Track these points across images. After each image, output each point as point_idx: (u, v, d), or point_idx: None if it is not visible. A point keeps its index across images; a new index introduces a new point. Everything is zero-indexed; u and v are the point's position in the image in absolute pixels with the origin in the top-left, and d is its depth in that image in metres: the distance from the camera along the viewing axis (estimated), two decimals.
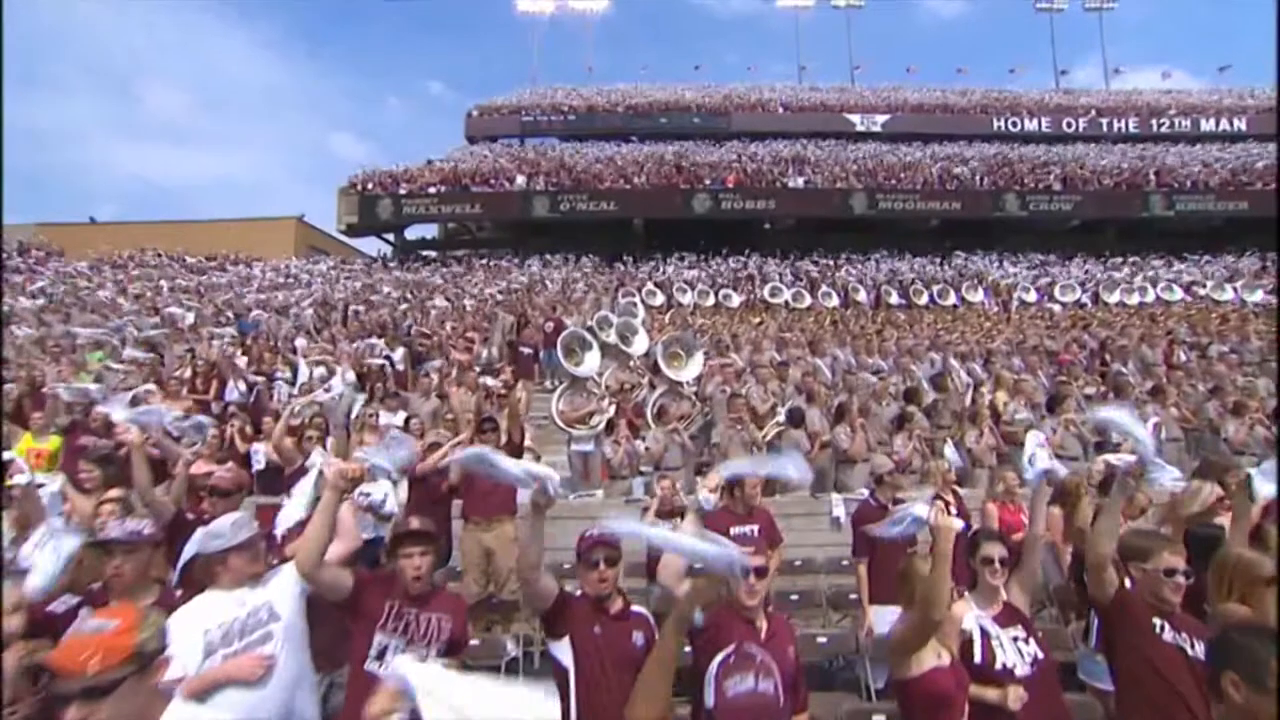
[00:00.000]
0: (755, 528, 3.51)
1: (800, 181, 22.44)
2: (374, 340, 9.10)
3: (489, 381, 7.24)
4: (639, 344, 8.38)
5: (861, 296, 14.53)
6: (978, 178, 23.47)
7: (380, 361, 8.36)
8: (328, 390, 6.02)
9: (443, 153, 31.47)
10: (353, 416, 6.54)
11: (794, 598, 4.38)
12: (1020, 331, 10.95)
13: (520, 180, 24.79)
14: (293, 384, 7.71)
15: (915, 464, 5.55)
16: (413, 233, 27.99)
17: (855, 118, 32.54)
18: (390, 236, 27.43)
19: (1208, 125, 31.50)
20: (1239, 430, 5.95)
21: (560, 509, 5.73)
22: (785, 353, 9.28)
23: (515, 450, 4.33)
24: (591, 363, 7.19)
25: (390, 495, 4.16)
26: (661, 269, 19.18)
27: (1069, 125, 31.92)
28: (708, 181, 22.97)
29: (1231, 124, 31.49)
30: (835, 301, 14.31)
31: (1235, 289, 15.37)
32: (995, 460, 5.66)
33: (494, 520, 4.09)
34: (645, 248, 22.56)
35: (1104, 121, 31.98)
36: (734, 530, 3.45)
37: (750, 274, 16.76)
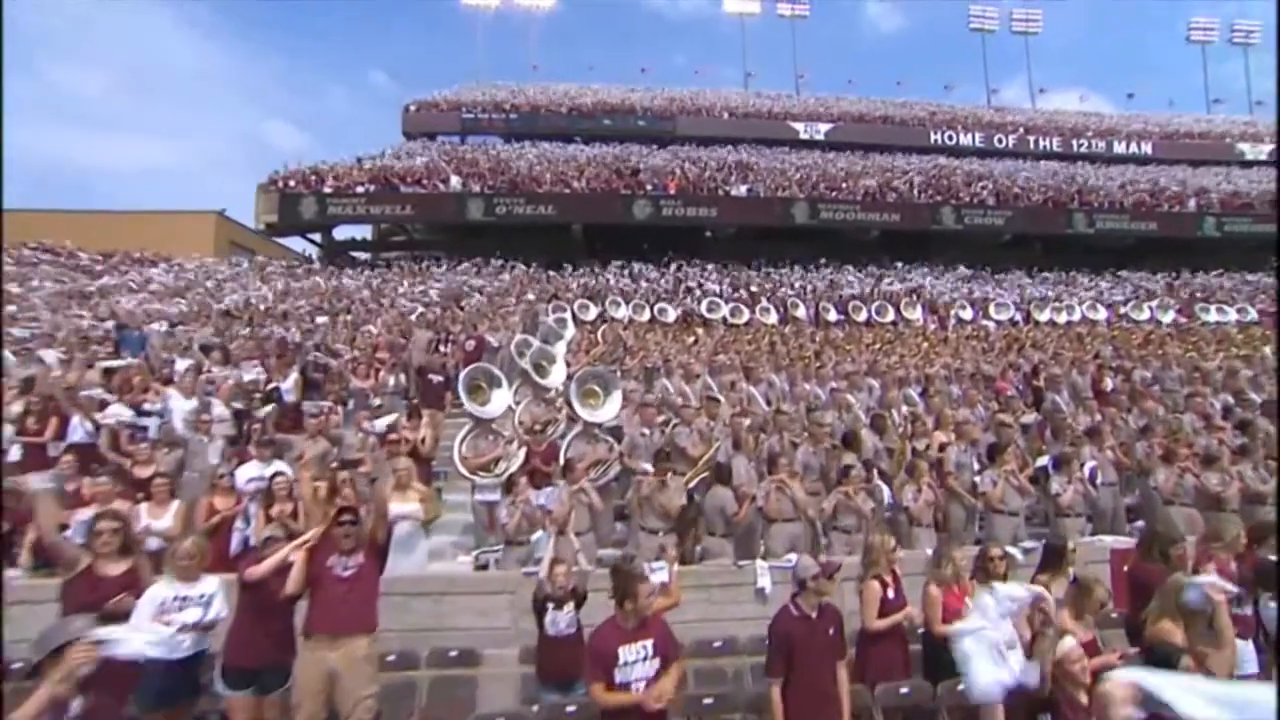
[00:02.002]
0: (648, 645, 2.90)
1: (743, 189, 22.19)
2: (249, 369, 8.04)
3: (376, 425, 6.40)
4: (555, 374, 7.67)
5: (801, 313, 14.27)
6: (916, 190, 23.79)
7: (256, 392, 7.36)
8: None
9: (383, 147, 30.02)
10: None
11: (708, 702, 3.79)
12: (958, 354, 10.81)
13: (455, 181, 23.68)
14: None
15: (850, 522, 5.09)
16: (342, 233, 26.42)
17: (799, 126, 32.74)
18: (318, 237, 25.85)
19: (1119, 147, 33.16)
20: (1169, 479, 5.78)
21: (456, 583, 5.02)
22: (718, 379, 8.76)
23: (379, 553, 3.56)
24: (500, 402, 6.45)
25: (216, 600, 3.33)
26: (601, 277, 18.58)
27: (999, 141, 32.98)
28: (649, 187, 22.45)
29: (1140, 147, 33.25)
30: (774, 318, 13.98)
31: (1151, 309, 15.88)
32: (933, 518, 5.27)
33: (343, 636, 3.28)
34: (586, 254, 21.89)
35: (1031, 139, 33.18)
36: (623, 653, 2.83)
37: (689, 285, 16.31)
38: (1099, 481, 5.93)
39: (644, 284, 17.18)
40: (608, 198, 21.94)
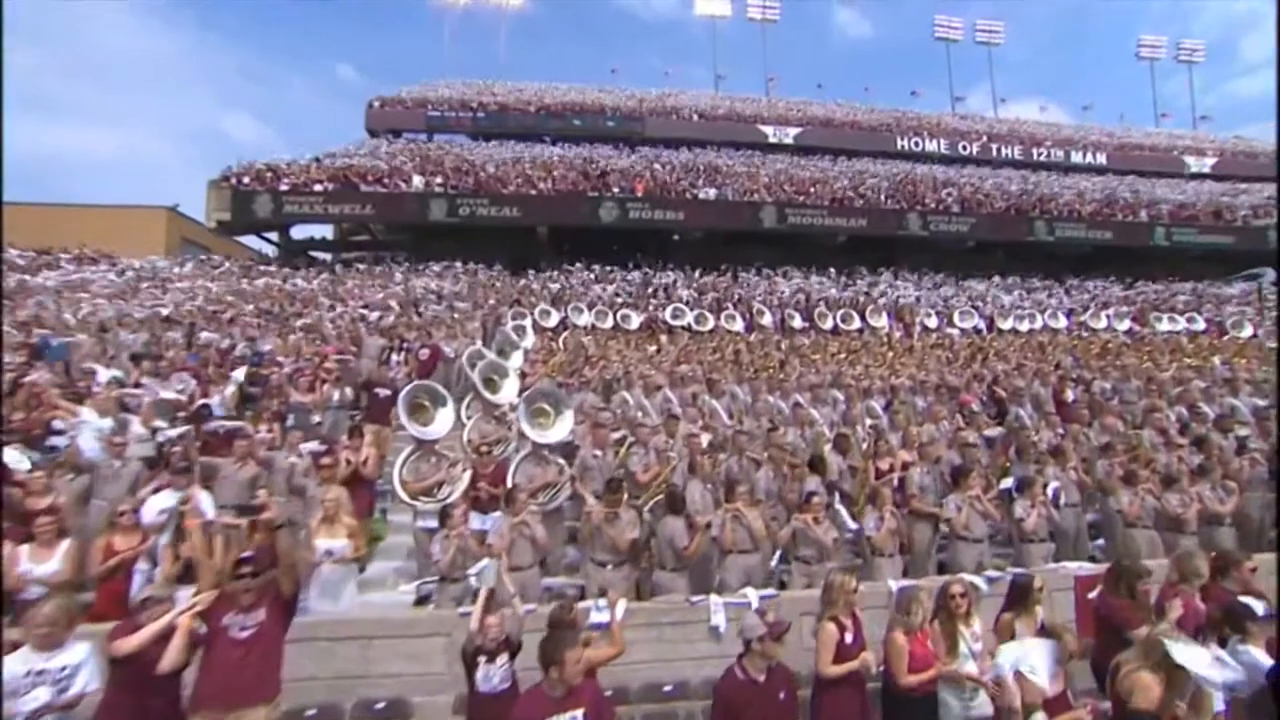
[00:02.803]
0: (577, 716, 2.59)
1: (711, 193, 22.02)
2: (179, 381, 7.47)
3: (303, 451, 5.93)
4: (507, 389, 7.30)
5: (767, 319, 14.11)
6: (883, 196, 23.94)
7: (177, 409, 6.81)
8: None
9: (344, 144, 29.16)
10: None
11: None
12: (923, 365, 10.74)
13: (417, 181, 23.05)
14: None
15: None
16: (302, 232, 25.54)
17: (768, 129, 32.78)
18: (274, 236, 24.93)
19: (1076, 157, 34.04)
20: (1133, 503, 5.69)
21: (385, 625, 4.62)
22: (680, 391, 8.49)
23: (285, 608, 3.17)
24: (444, 422, 6.06)
25: (81, 674, 2.89)
26: (566, 281, 18.21)
27: (964, 148, 33.51)
28: (616, 189, 22.14)
29: (1095, 158, 34.19)
30: (740, 325, 13.79)
31: (1108, 317, 16.16)
32: (897, 548, 5.05)
33: (238, 709, 2.85)
34: (552, 256, 21.48)
35: (994, 147, 33.81)
36: None
37: (655, 289, 16.05)
38: (1062, 502, 5.81)
39: (609, 288, 16.86)
40: (574, 199, 21.58)
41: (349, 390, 8.56)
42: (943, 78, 43.00)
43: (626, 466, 5.88)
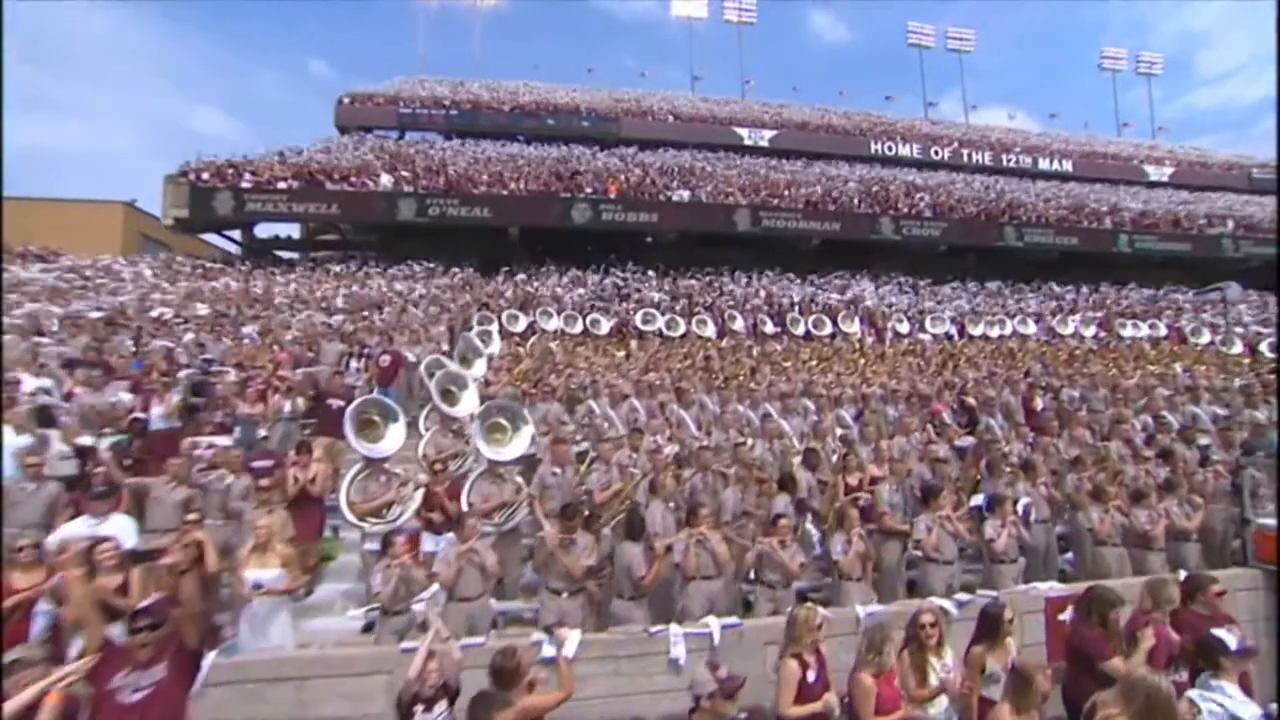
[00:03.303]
0: None
1: (685, 195, 21.85)
2: (114, 392, 7.01)
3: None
4: (465, 402, 6.99)
5: (739, 324, 13.96)
6: (856, 200, 24.04)
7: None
8: None
9: (312, 141, 28.47)
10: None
11: None
12: (895, 373, 10.66)
13: (385, 180, 22.50)
14: None
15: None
16: (267, 231, 24.78)
17: (744, 131, 32.77)
18: (237, 235, 24.16)
19: (1044, 164, 34.70)
20: (1103, 521, 5.62)
21: (321, 664, 4.30)
22: (646, 401, 8.26)
23: (189, 660, 2.84)
24: (395, 438, 5.74)
25: None
26: (537, 283, 17.90)
27: (936, 153, 33.90)
28: (589, 190, 21.85)
29: (1061, 165, 34.89)
30: (711, 330, 13.61)
31: (1075, 323, 16.35)
32: (866, 572, 4.87)
33: None
34: (524, 258, 21.13)
35: (965, 153, 34.27)
36: None
37: (627, 293, 15.82)
38: (1032, 519, 5.72)
39: (581, 291, 16.59)
40: (545, 200, 21.26)
41: (301, 401, 8.15)
42: (916, 83, 43.73)
43: (586, 485, 5.62)
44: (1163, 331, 16.20)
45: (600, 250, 21.21)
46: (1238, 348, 14.90)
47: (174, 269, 18.48)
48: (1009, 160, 34.45)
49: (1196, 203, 29.84)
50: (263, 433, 6.81)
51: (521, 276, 18.89)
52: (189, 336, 10.55)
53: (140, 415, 6.68)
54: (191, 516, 4.71)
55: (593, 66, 50.30)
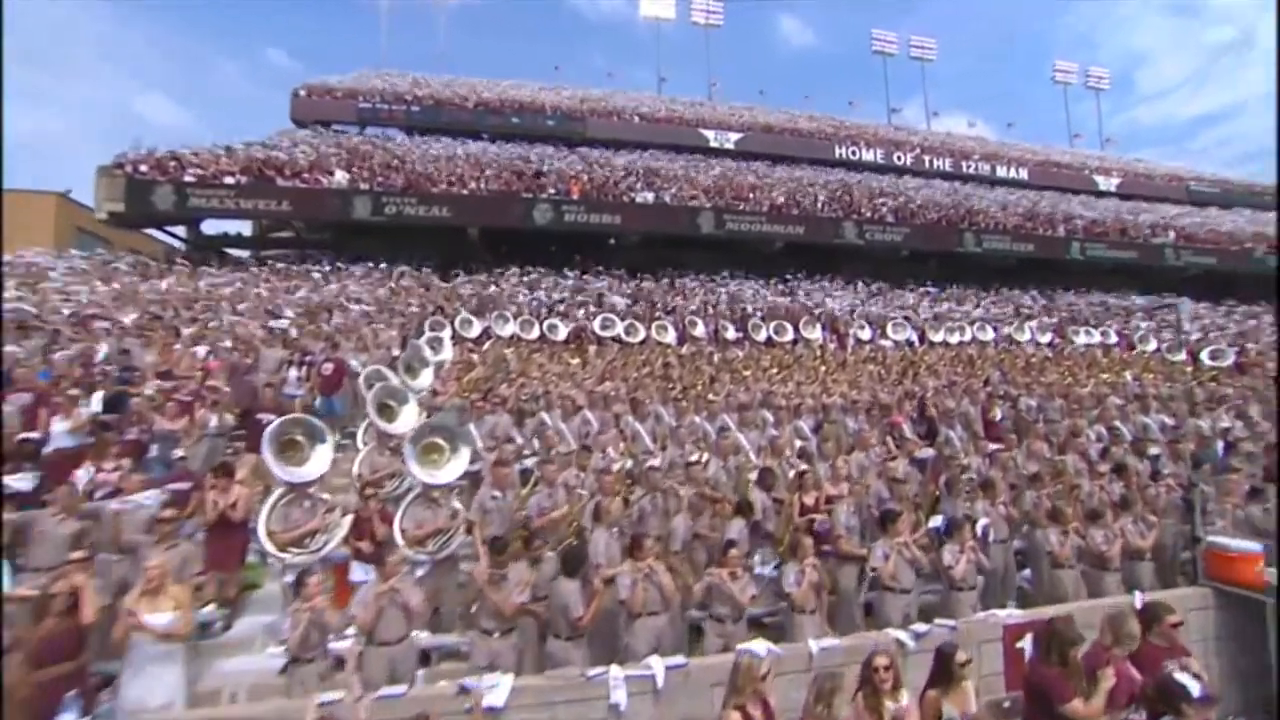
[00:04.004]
0: None
1: (649, 196, 21.58)
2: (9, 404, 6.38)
3: (143, 500, 5.04)
4: (404, 417, 6.56)
5: (700, 330, 13.73)
6: (820, 204, 24.10)
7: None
8: None
9: (265, 134, 27.36)
10: None
11: None
12: (855, 382, 10.54)
13: (340, 177, 21.68)
14: None
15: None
16: (215, 228, 23.64)
17: (710, 133, 32.68)
18: (182, 231, 23.01)
19: (1002, 171, 35.50)
20: (1062, 545, 5.50)
21: None
22: (600, 413, 7.94)
23: None
24: (321, 460, 5.29)
25: None
26: (497, 286, 17.43)
27: (899, 159, 34.35)
28: (551, 191, 21.42)
29: (1018, 173, 35.76)
30: (671, 336, 13.35)
31: (1031, 329, 16.60)
32: (816, 602, 4.63)
33: None
34: (485, 259, 20.58)
35: (926, 159, 34.82)
36: None
37: (588, 296, 15.48)
38: (991, 539, 5.58)
39: (541, 294, 16.18)
40: (506, 200, 20.74)
41: (230, 415, 7.59)
42: (879, 89, 44.24)
43: (526, 509, 5.27)
44: (1113, 339, 16.55)
45: (563, 252, 20.81)
46: (1181, 355, 15.32)
47: (108, 266, 17.41)
48: (969, 167, 35.13)
49: (1141, 213, 30.84)
50: (179, 453, 6.25)
51: (481, 279, 18.38)
52: (110, 342, 9.80)
53: (28, 435, 6.05)
54: (77, 555, 4.21)
55: (559, 65, 49.65)
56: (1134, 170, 39.73)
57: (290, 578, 4.94)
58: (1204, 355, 14.98)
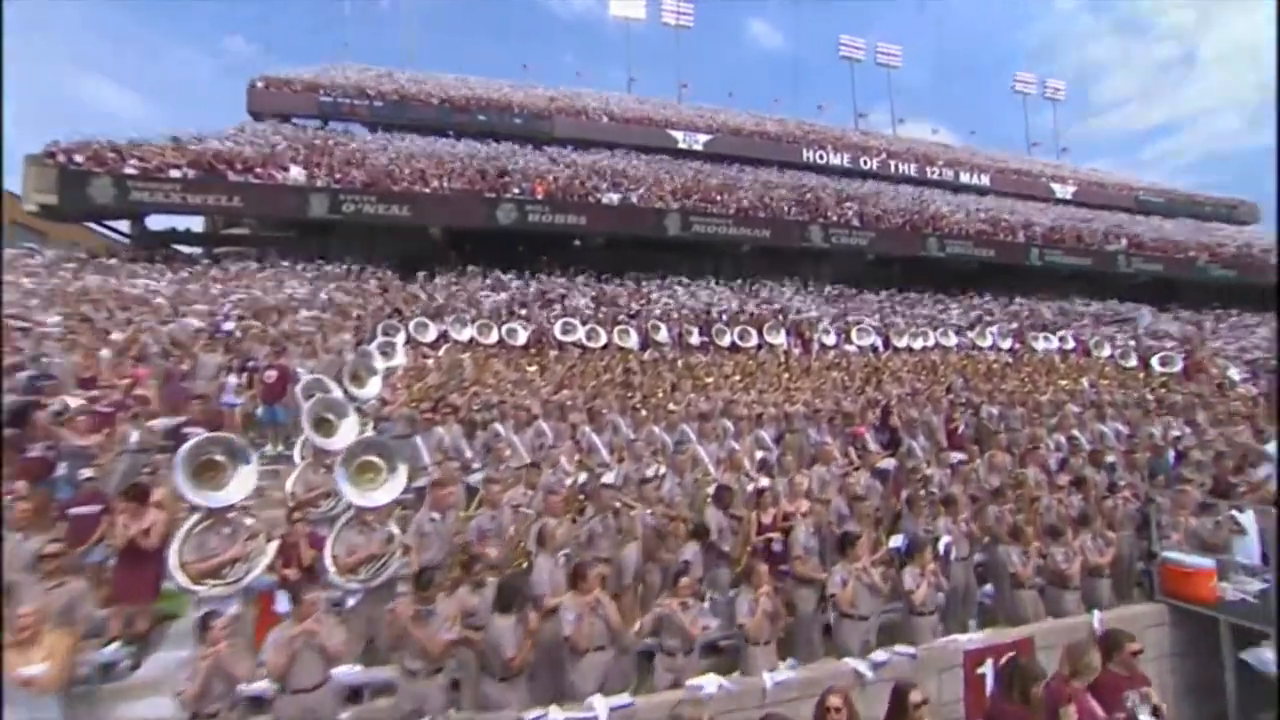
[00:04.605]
0: None
1: (614, 198, 21.29)
2: None
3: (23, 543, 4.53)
4: (344, 431, 6.15)
5: (663, 335, 13.47)
6: (787, 206, 24.11)
7: None
8: None
9: (230, 124, 26.32)
10: None
11: None
12: (819, 390, 10.42)
13: (296, 172, 20.89)
14: None
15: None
16: (162, 223, 22.57)
17: (679, 134, 32.55)
18: (126, 226, 21.95)
19: (965, 178, 36.18)
20: (1024, 565, 5.40)
21: None
22: (555, 424, 7.64)
23: None
24: (243, 483, 4.86)
25: None
26: (456, 287, 16.97)
27: (865, 163, 34.71)
28: (516, 190, 20.98)
29: (980, 179, 36.50)
30: (634, 341, 13.06)
31: (993, 335, 16.78)
32: (771, 632, 4.40)
33: None
34: (448, 259, 20.05)
35: (892, 164, 35.25)
36: None
37: (551, 299, 15.13)
38: (953, 557, 5.44)
39: (503, 296, 15.76)
40: (469, 200, 20.23)
41: (156, 427, 7.06)
42: (847, 94, 44.68)
43: (465, 534, 4.93)
44: (1071, 344, 16.83)
45: (528, 253, 20.41)
46: (1133, 361, 15.66)
47: (38, 262, 16.41)
48: (933, 173, 35.69)
49: (1095, 220, 31.70)
50: (87, 473, 5.72)
51: (442, 280, 17.88)
52: (28, 345, 9.10)
53: None
54: None
55: (528, 63, 48.97)
56: (1088, 179, 40.93)
57: (204, 611, 4.52)
58: (1154, 361, 15.31)
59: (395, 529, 5.02)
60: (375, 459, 5.13)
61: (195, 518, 4.78)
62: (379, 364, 9.71)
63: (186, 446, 4.72)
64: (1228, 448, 8.24)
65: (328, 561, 4.82)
